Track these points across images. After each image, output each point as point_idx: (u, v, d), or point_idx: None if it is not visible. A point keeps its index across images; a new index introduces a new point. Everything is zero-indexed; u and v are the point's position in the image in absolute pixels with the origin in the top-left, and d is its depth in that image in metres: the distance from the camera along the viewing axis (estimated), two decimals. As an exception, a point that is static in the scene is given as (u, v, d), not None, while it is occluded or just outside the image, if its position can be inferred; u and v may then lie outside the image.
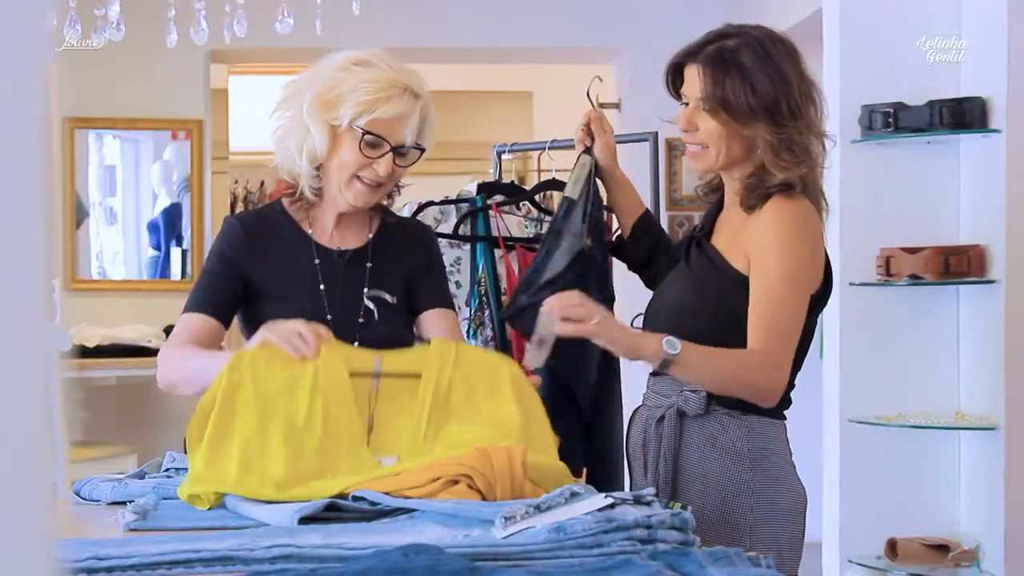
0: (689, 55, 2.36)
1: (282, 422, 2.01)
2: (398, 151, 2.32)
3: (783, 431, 2.38)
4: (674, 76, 2.41)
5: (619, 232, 2.74)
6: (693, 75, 2.33)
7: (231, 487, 1.92)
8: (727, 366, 2.24)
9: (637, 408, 2.51)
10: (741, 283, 2.31)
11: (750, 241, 2.31)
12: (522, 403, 2.12)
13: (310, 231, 2.42)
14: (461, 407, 2.12)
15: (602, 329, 2.18)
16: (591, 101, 2.87)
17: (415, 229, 2.58)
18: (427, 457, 2.00)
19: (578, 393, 2.75)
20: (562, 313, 2.17)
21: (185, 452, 2.10)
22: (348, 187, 2.34)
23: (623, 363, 2.65)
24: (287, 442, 1.98)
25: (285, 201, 2.45)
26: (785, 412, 2.39)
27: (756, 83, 2.27)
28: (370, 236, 2.44)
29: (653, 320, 2.45)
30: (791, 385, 2.35)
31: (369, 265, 2.41)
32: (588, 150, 2.65)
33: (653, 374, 2.42)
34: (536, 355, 2.20)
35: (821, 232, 2.37)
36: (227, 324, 2.40)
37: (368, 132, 2.29)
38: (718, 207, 2.48)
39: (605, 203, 2.72)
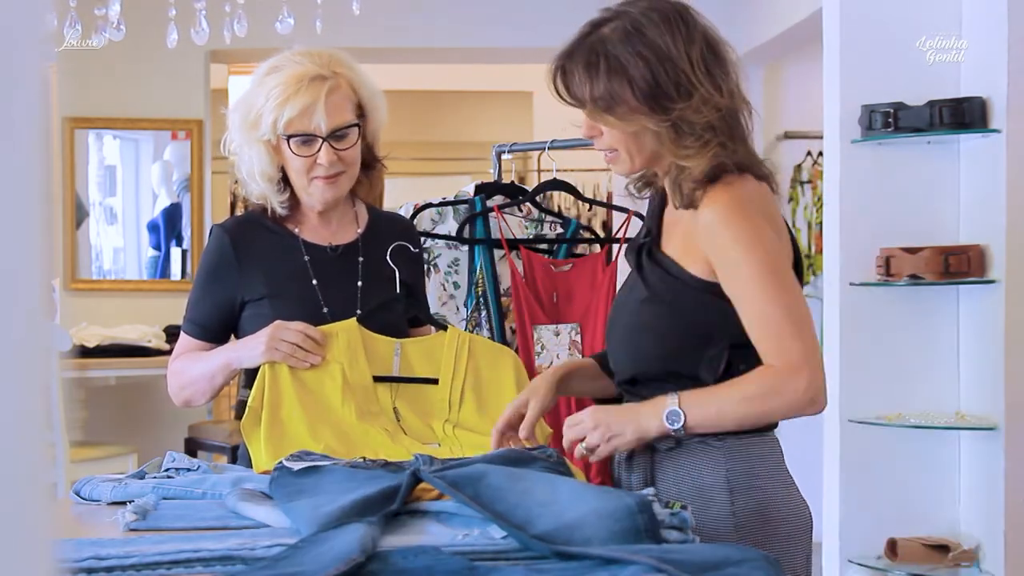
0: (568, 56, 2.04)
1: (329, 423, 2.23)
2: (332, 137, 2.35)
3: (771, 445, 2.07)
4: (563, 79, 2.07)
5: None
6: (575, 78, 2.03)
7: None
8: (744, 401, 1.96)
9: None
10: (706, 289, 2.02)
11: (703, 244, 2.01)
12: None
13: (296, 230, 2.47)
14: (473, 415, 2.34)
15: (614, 444, 2.02)
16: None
17: (403, 224, 2.66)
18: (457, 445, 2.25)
19: None
20: (571, 451, 2.03)
21: (186, 452, 2.12)
22: (310, 188, 2.40)
23: None
24: (339, 439, 2.19)
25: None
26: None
27: (631, 71, 1.96)
28: (359, 231, 2.50)
29: (618, 347, 2.15)
30: None
31: (361, 259, 2.47)
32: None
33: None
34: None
35: (776, 208, 2.07)
36: (223, 342, 2.47)
37: (292, 135, 2.34)
38: (661, 205, 2.16)
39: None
